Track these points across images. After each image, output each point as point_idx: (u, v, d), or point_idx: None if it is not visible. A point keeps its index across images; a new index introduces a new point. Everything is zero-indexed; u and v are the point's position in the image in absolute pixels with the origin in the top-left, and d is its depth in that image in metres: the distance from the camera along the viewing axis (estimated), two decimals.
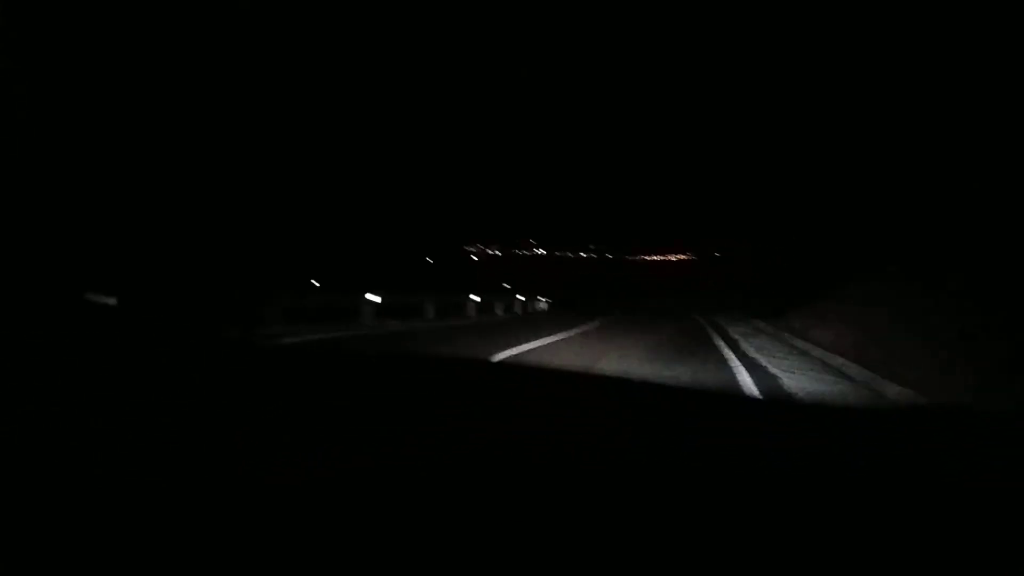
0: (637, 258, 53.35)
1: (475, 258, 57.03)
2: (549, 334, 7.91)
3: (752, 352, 6.53)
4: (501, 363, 4.56)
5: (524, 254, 61.90)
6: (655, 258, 54.85)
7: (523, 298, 18.70)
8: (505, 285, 23.84)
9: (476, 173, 42.38)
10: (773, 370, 4.99)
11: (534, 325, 10.44)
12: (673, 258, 54.16)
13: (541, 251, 61.06)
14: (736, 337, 8.91)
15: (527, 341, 6.69)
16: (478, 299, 13.96)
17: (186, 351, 1.60)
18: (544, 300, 21.79)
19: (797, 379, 4.53)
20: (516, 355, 5.50)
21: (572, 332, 8.53)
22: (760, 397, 3.50)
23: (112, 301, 4.44)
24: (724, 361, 5.60)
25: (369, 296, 8.99)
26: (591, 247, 52.03)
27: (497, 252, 61.40)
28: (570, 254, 55.39)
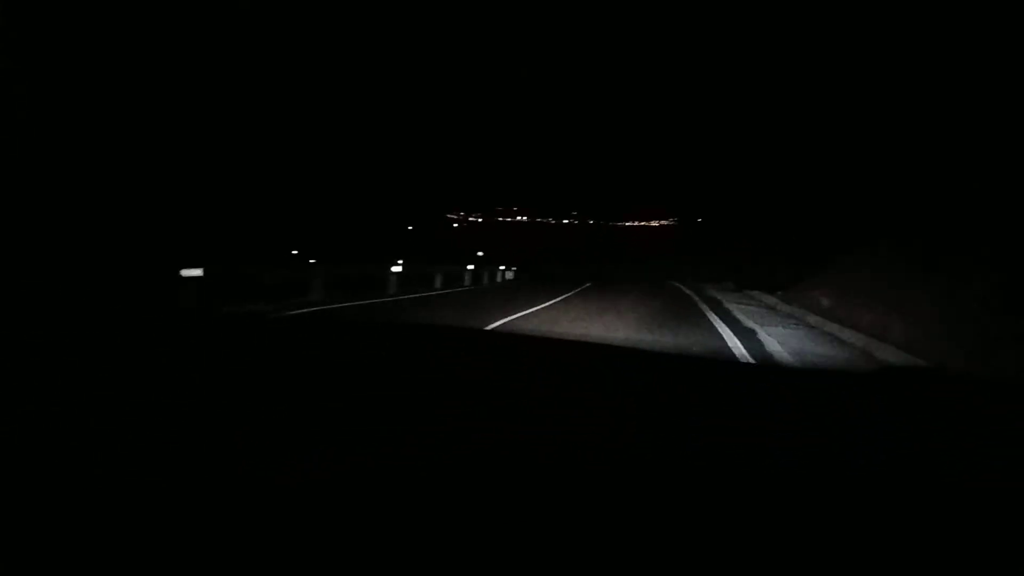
0: (619, 224, 52.71)
1: (456, 225, 56.01)
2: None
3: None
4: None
5: (506, 221, 60.99)
6: (638, 224, 54.31)
7: (473, 267, 17.40)
8: (479, 254, 22.80)
9: (459, 139, 41.08)
10: None
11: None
12: (656, 224, 53.65)
13: (523, 218, 60.21)
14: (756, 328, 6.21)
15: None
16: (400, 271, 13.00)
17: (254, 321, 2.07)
18: (510, 270, 20.55)
19: None
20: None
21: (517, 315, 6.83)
22: None
23: (198, 272, 5.91)
24: None
25: (395, 268, 10.31)
26: (574, 214, 51.21)
27: (479, 219, 60.39)
28: (552, 220, 54.59)
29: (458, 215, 60.51)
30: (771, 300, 9.83)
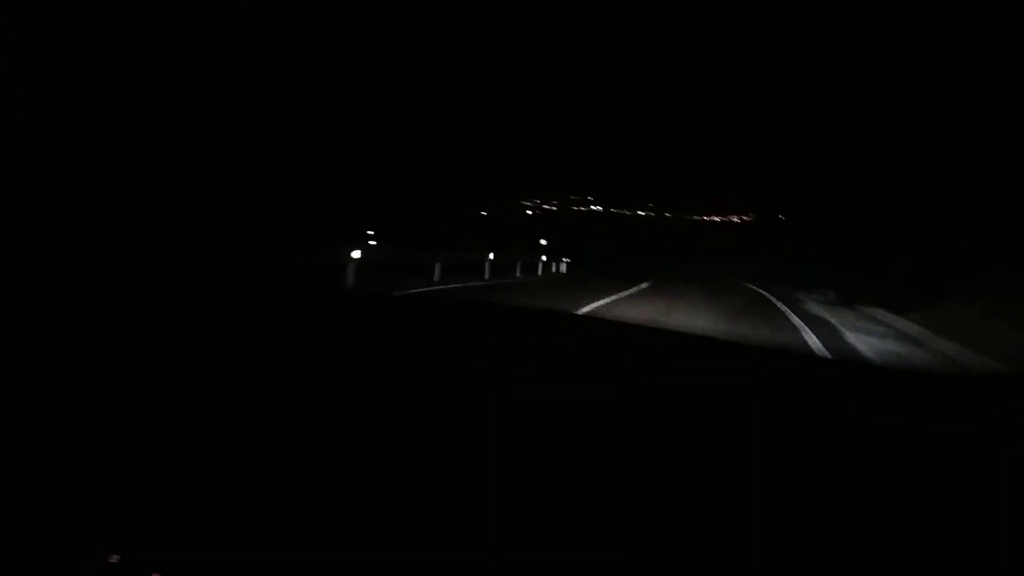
0: (695, 218, 51.84)
1: (529, 212, 57.05)
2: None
3: None
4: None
5: (580, 211, 61.29)
6: (715, 218, 53.10)
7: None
8: (542, 242, 23.29)
9: (539, 125, 41.80)
10: None
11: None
12: (736, 219, 52.23)
13: (597, 208, 60.26)
14: None
15: None
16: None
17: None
18: (562, 261, 21.00)
19: None
20: None
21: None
22: None
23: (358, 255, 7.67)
24: None
25: (491, 256, 11.95)
26: (650, 205, 50.91)
27: (553, 207, 61.12)
28: (627, 212, 54.42)
29: (533, 202, 61.41)
30: (917, 331, 6.51)
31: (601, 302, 8.30)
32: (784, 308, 9.06)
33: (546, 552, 0.59)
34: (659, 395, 0.97)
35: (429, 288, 8.52)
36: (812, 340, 5.72)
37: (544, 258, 16.13)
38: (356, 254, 7.61)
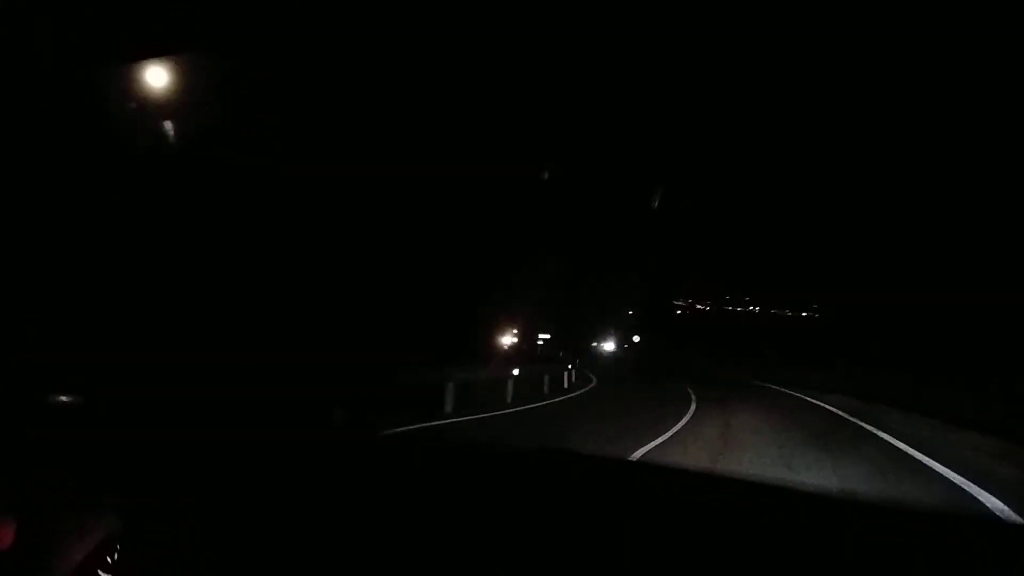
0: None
1: (679, 312, 55.61)
2: None
3: None
4: None
5: (737, 311, 57.99)
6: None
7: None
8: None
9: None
10: None
11: None
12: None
13: (754, 308, 56.43)
14: None
15: None
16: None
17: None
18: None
19: None
20: None
21: None
22: None
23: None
24: None
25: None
26: (814, 307, 45.99)
27: (707, 307, 58.86)
28: (788, 312, 49.89)
29: (686, 302, 59.87)
30: None
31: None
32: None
33: None
34: None
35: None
36: None
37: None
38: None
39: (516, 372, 10.78)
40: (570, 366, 14.70)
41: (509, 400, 10.11)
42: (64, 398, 1.45)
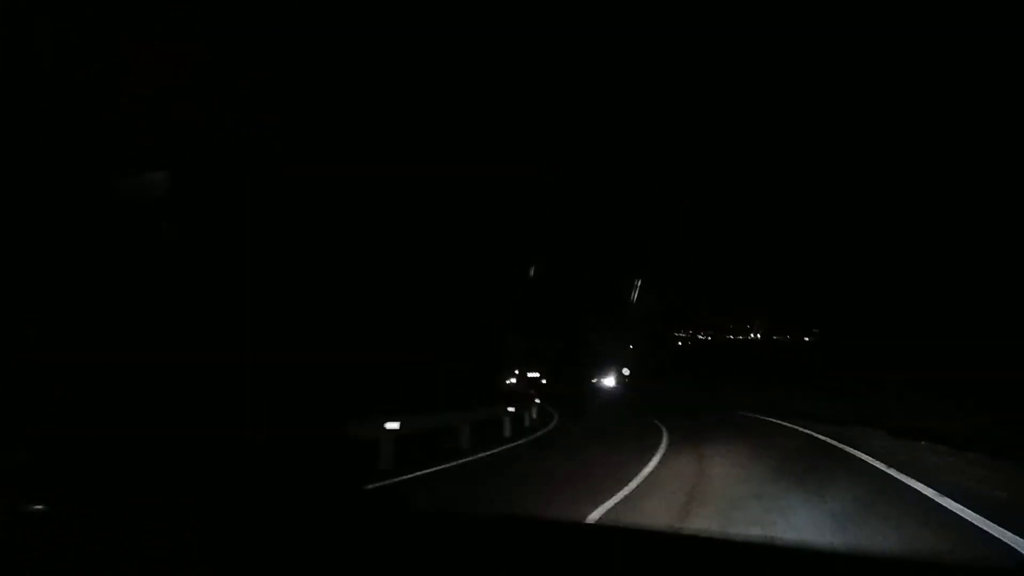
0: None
1: (680, 344, 55.51)
2: None
3: None
4: None
5: (737, 339, 57.90)
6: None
7: None
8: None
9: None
10: None
11: None
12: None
13: (755, 335, 56.41)
14: None
15: None
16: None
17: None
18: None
19: None
20: None
21: None
22: None
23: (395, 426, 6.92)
24: None
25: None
26: (815, 331, 45.88)
27: (708, 337, 58.78)
28: (788, 337, 49.81)
29: (687, 332, 59.75)
30: None
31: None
32: None
33: None
34: None
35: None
36: None
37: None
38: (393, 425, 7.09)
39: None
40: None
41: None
42: None
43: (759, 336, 55.54)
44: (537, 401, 15.77)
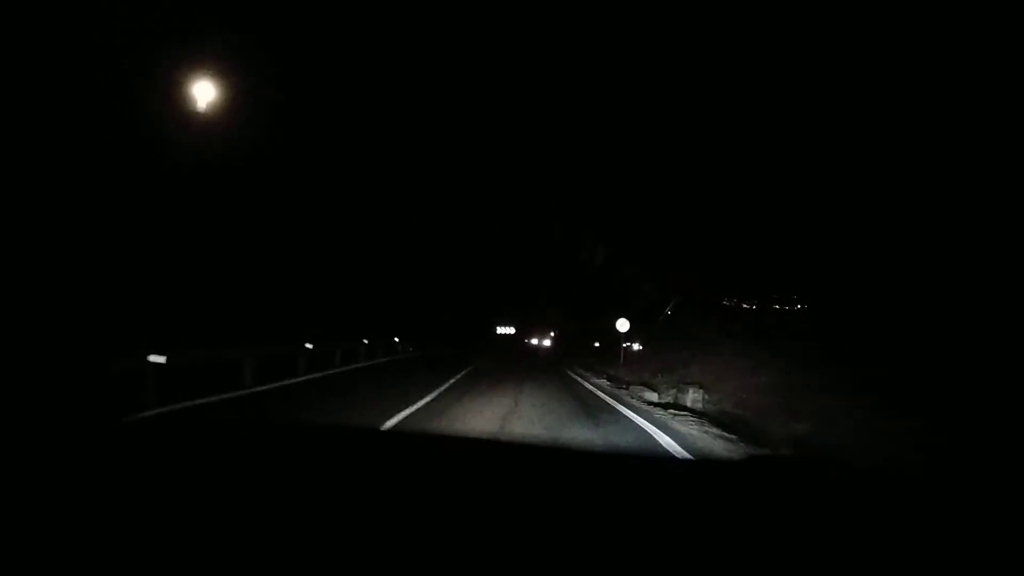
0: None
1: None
2: None
3: None
4: None
5: (782, 309, 57.18)
6: None
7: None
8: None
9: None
10: None
11: None
12: None
13: (801, 306, 55.35)
14: None
15: None
16: None
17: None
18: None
19: None
20: None
21: None
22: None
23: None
24: None
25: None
26: (794, 297, 44.99)
27: (752, 306, 59.01)
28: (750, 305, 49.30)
29: (732, 301, 60.38)
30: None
31: None
32: None
33: None
34: None
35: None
36: None
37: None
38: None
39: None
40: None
41: None
42: None
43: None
44: None
